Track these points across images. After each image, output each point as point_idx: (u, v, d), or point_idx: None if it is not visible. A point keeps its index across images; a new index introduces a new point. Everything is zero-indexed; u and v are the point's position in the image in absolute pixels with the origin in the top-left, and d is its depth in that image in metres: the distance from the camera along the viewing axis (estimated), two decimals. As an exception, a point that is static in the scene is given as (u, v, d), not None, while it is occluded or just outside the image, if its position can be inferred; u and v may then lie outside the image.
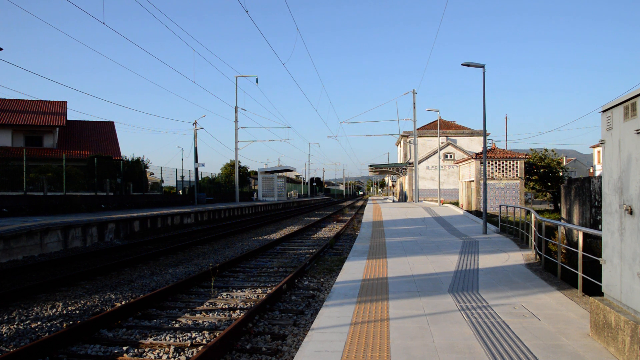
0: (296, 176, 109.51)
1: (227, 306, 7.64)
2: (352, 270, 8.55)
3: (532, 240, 10.04)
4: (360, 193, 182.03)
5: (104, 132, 42.58)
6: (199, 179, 38.40)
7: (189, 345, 5.80)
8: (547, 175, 34.58)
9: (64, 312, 7.35)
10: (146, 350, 5.70)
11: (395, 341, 4.69)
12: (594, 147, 69.44)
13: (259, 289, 8.91)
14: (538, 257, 9.34)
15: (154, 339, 6.02)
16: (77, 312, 7.37)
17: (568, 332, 4.93)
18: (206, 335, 6.16)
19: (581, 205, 12.04)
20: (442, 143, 50.99)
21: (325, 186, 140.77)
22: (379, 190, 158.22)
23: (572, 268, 7.52)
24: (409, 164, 49.08)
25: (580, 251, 6.65)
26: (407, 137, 54.28)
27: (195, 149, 37.81)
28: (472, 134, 53.31)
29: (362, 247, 11.70)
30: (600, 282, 4.92)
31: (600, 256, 4.93)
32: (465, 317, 5.49)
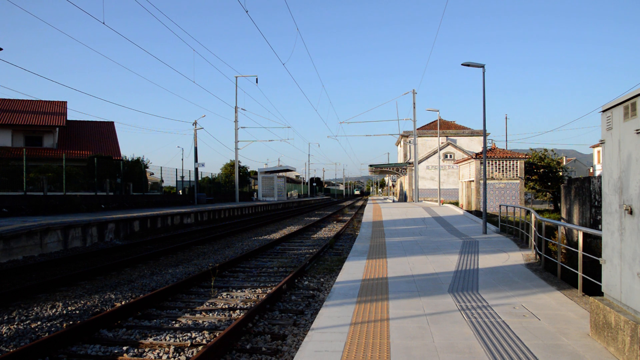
0: (296, 176, 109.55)
1: (227, 306, 7.64)
2: (352, 270, 8.55)
3: (532, 240, 10.04)
4: (358, 192, 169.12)
5: (104, 132, 42.59)
6: (199, 179, 38.41)
7: (189, 345, 5.80)
8: (547, 175, 34.58)
9: (64, 312, 7.35)
10: (146, 350, 5.70)
11: (395, 341, 4.69)
12: (594, 147, 69.44)
13: (259, 289, 8.91)
14: (538, 257, 9.33)
15: (154, 339, 6.02)
16: (77, 312, 7.37)
17: (568, 332, 4.93)
18: (206, 335, 6.16)
19: (581, 205, 12.04)
20: (442, 143, 50.98)
21: (325, 186, 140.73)
22: (379, 190, 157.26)
23: (572, 268, 7.52)
24: (409, 164, 49.09)
25: (580, 251, 6.65)
26: (407, 137, 54.28)
27: (195, 149, 37.82)
28: (472, 133, 53.31)
29: (362, 247, 11.70)
30: (600, 282, 4.92)
31: (600, 256, 4.93)
32: (465, 317, 5.49)
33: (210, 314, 7.22)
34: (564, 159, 63.74)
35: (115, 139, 42.30)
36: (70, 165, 27.95)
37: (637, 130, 4.09)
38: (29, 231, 12.64)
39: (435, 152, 51.91)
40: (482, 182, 19.54)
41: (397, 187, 69.63)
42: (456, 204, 36.93)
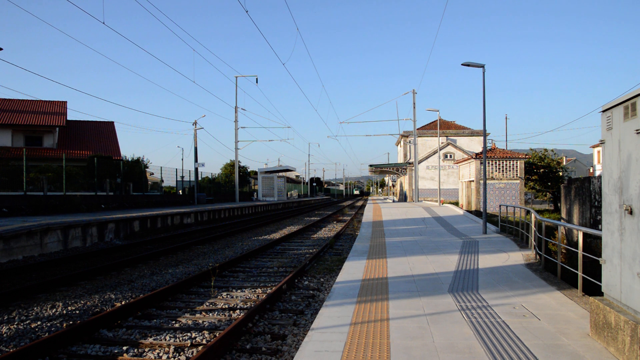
0: (296, 176, 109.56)
1: (227, 306, 7.64)
2: (352, 270, 8.55)
3: (532, 240, 10.04)
4: (357, 192, 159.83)
5: (104, 132, 42.59)
6: (199, 178, 38.41)
7: (189, 345, 5.80)
8: (547, 175, 34.58)
9: (64, 312, 7.35)
10: (146, 350, 5.70)
11: (395, 341, 4.69)
12: (594, 147, 69.45)
13: (259, 289, 8.91)
14: (538, 257, 9.33)
15: (154, 339, 6.02)
16: (77, 312, 7.37)
17: (568, 332, 4.93)
18: (206, 335, 6.16)
19: (581, 205, 12.04)
20: (442, 143, 50.99)
21: (325, 186, 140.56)
22: (379, 190, 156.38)
23: (572, 268, 7.52)
24: (409, 164, 49.09)
25: (580, 251, 6.65)
26: (407, 137, 54.27)
27: (195, 149, 37.82)
28: (472, 133, 53.31)
29: (362, 247, 11.70)
30: (600, 282, 4.92)
31: (600, 256, 4.93)
32: (465, 317, 5.49)
33: (210, 314, 7.22)
34: (564, 159, 63.75)
35: (115, 139, 42.30)
36: (70, 165, 27.95)
37: (637, 130, 4.08)
38: (29, 231, 12.64)
39: (435, 152, 51.91)
40: (482, 182, 19.54)
41: (397, 187, 69.63)
42: (456, 204, 36.93)
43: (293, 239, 17.67)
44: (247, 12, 18.53)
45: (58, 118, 38.60)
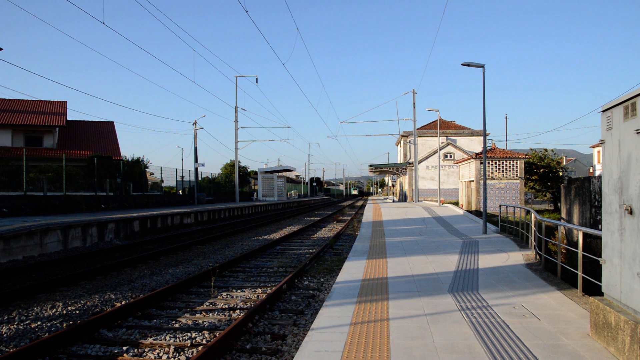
0: (296, 176, 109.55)
1: (227, 306, 7.64)
2: (352, 270, 8.55)
3: (532, 240, 10.04)
4: (356, 192, 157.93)
5: (104, 132, 42.58)
6: (199, 179, 38.40)
7: (189, 345, 5.80)
8: (547, 175, 34.58)
9: (64, 312, 7.35)
10: (146, 350, 5.70)
11: (395, 341, 4.69)
12: (594, 147, 69.44)
13: (259, 289, 8.91)
14: (538, 257, 9.33)
15: (154, 339, 6.02)
16: (77, 312, 7.37)
17: (568, 332, 4.93)
18: (206, 335, 6.16)
19: (581, 205, 12.04)
20: (442, 143, 50.98)
21: (325, 186, 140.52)
22: (379, 190, 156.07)
23: (572, 268, 7.52)
24: (409, 163, 49.08)
25: (580, 251, 6.65)
26: (407, 137, 54.28)
27: (195, 149, 37.82)
28: (472, 133, 53.31)
29: (362, 247, 11.70)
30: (600, 282, 4.93)
31: (600, 256, 4.93)
32: (465, 317, 5.49)
33: (210, 314, 7.22)
34: (564, 159, 63.76)
35: (115, 139, 42.29)
36: (70, 165, 27.95)
37: (637, 130, 4.09)
38: (29, 231, 12.64)
39: (435, 152, 51.91)
40: (482, 182, 19.55)
41: (397, 187, 69.63)
42: (456, 204, 36.92)
43: (293, 239, 17.67)
44: (247, 12, 18.54)
45: (58, 118, 38.59)
